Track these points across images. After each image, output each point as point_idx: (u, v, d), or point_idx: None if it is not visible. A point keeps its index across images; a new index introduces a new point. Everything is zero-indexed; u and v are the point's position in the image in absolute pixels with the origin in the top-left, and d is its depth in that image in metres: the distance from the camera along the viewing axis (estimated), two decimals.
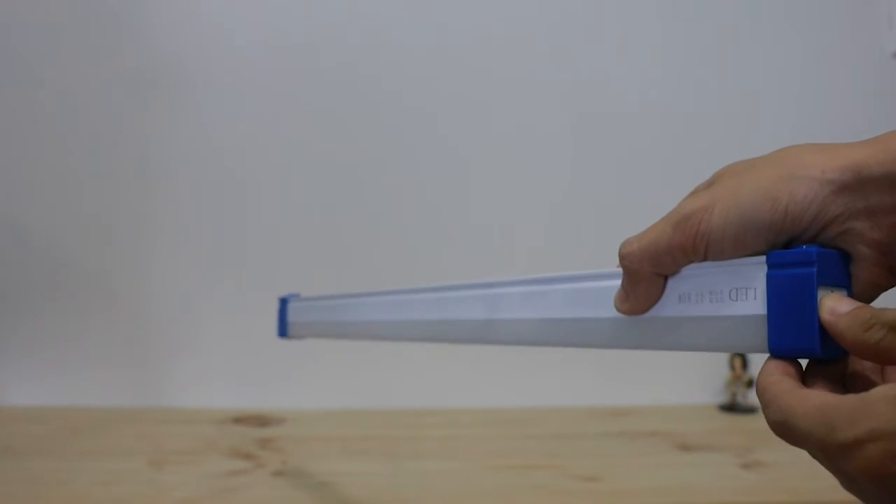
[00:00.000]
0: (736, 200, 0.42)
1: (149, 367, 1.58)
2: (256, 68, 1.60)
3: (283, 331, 1.03)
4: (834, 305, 0.39)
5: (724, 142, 1.56)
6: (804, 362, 0.42)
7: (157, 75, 1.58)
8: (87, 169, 1.58)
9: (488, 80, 1.62)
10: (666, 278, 0.47)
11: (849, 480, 0.36)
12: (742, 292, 0.43)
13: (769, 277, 0.41)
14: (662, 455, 1.26)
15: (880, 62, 1.62)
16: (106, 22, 1.58)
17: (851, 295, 0.42)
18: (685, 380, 1.56)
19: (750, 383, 1.52)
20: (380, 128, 1.61)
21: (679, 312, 0.46)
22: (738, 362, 1.54)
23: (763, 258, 0.42)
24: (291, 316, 1.01)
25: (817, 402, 0.37)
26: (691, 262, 0.45)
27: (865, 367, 0.42)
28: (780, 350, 0.41)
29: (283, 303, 1.03)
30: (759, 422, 0.38)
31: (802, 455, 0.39)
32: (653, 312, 0.48)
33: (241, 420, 1.46)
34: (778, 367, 0.41)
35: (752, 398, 1.50)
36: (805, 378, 0.41)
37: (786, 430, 0.38)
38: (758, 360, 0.43)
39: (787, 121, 1.60)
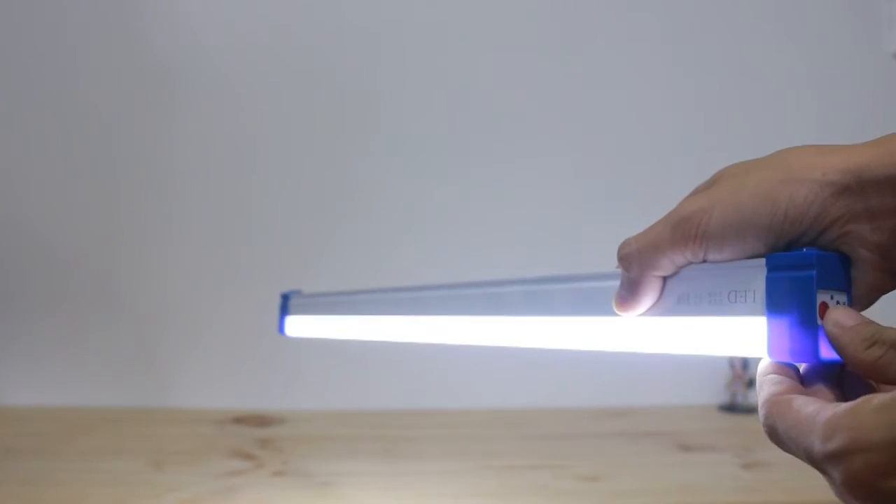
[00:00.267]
0: (735, 202, 0.42)
1: (149, 368, 1.58)
2: (256, 69, 1.60)
3: (284, 328, 1.02)
4: (839, 318, 0.38)
5: (725, 141, 1.56)
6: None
7: (157, 76, 1.58)
8: (87, 169, 1.58)
9: (489, 78, 1.61)
10: (665, 279, 0.47)
11: (837, 488, 0.36)
12: (741, 294, 0.42)
13: (768, 280, 0.41)
14: (662, 455, 1.26)
15: (880, 62, 1.62)
16: (106, 23, 1.58)
17: (851, 298, 0.42)
18: (685, 380, 1.55)
19: (750, 383, 1.52)
20: (379, 127, 1.61)
21: (678, 314, 0.46)
22: (737, 362, 1.54)
23: (762, 260, 0.42)
24: (293, 312, 1.00)
25: (807, 410, 0.36)
26: (690, 263, 0.45)
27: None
28: (779, 354, 0.40)
29: (285, 299, 1.02)
30: (759, 422, 0.38)
31: None
32: (651, 313, 0.47)
33: (241, 420, 1.46)
34: (776, 367, 0.41)
35: (753, 398, 1.50)
36: (803, 378, 0.41)
37: (776, 436, 0.38)
38: (758, 360, 0.43)
39: (787, 121, 1.60)
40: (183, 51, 1.58)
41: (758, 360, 0.42)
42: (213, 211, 1.60)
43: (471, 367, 1.50)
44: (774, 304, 0.40)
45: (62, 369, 1.56)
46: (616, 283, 0.48)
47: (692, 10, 1.63)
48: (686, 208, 0.44)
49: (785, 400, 0.38)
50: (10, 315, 1.56)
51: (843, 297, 0.41)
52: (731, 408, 1.54)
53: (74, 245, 1.58)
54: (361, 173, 1.60)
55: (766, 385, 0.40)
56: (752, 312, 0.42)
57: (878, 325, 0.38)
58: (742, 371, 1.53)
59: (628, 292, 0.47)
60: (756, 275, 0.42)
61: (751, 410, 1.50)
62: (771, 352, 0.41)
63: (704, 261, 0.44)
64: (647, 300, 0.47)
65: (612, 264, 0.50)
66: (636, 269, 0.46)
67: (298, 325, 0.99)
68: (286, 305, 1.01)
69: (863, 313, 0.39)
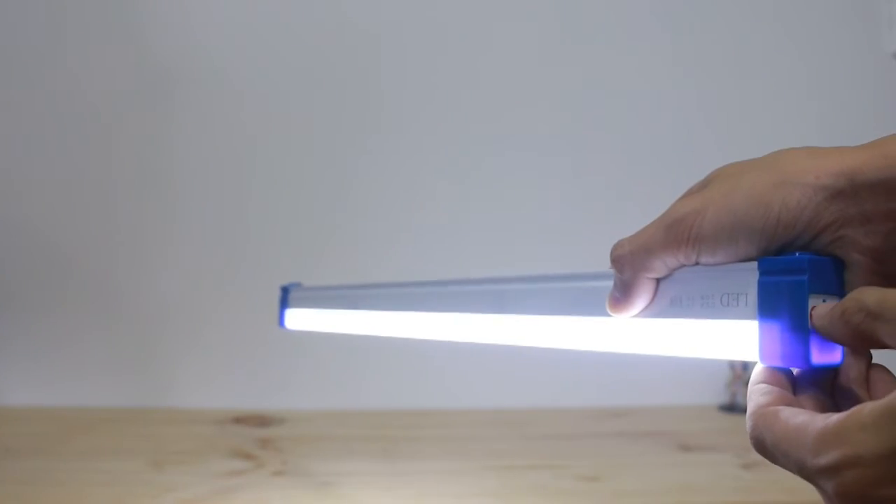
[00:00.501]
0: (728, 205, 0.42)
1: (149, 367, 1.58)
2: (256, 68, 1.60)
3: (284, 320, 1.02)
4: (821, 310, 0.38)
5: (725, 141, 1.56)
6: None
7: (157, 76, 1.58)
8: (87, 169, 1.58)
9: (490, 78, 1.62)
10: (658, 281, 0.47)
11: (829, 500, 0.36)
12: (734, 298, 0.42)
13: (760, 284, 0.41)
14: (662, 455, 1.26)
15: (880, 62, 1.62)
16: (106, 23, 1.58)
17: None
18: (685, 380, 1.55)
19: None
20: (379, 125, 1.61)
21: (670, 316, 0.46)
22: (738, 362, 1.54)
23: (755, 264, 0.41)
24: (292, 305, 1.00)
25: (796, 423, 0.36)
26: (683, 265, 0.45)
27: (851, 379, 0.41)
28: (770, 358, 0.40)
29: (285, 292, 1.02)
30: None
31: None
32: (644, 315, 0.47)
33: (241, 420, 1.46)
34: (768, 374, 0.41)
35: None
36: (795, 385, 0.41)
37: (764, 448, 0.38)
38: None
39: (787, 120, 1.60)
40: (183, 50, 1.59)
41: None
42: (212, 211, 1.60)
43: (471, 367, 1.50)
44: (766, 309, 0.40)
45: (61, 369, 1.57)
46: (610, 284, 0.48)
47: (692, 9, 1.63)
48: (679, 210, 0.44)
49: (772, 412, 0.38)
50: (9, 315, 1.56)
51: (835, 302, 0.41)
52: (731, 408, 1.54)
53: (73, 245, 1.58)
54: (361, 172, 1.60)
55: (755, 396, 0.40)
56: (744, 316, 0.42)
57: (859, 289, 0.37)
58: (742, 372, 1.53)
59: (621, 294, 0.47)
60: (748, 279, 0.41)
61: None
62: (762, 356, 0.41)
63: (697, 263, 0.44)
64: (640, 302, 0.47)
65: (609, 264, 0.50)
66: (629, 271, 0.46)
67: (298, 318, 0.99)
68: (286, 298, 1.01)
69: None
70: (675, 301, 0.46)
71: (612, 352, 0.50)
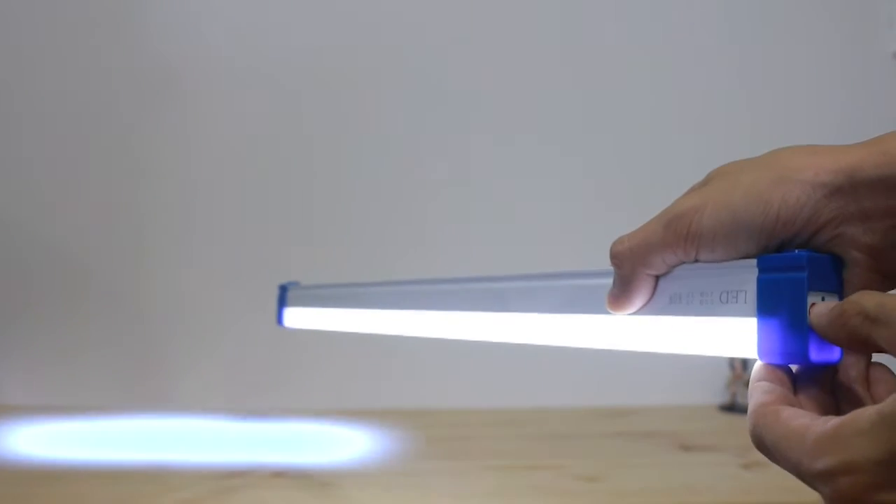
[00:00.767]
0: (728, 202, 0.42)
1: (149, 368, 1.58)
2: (256, 68, 1.60)
3: (283, 319, 1.02)
4: (820, 309, 0.38)
5: (725, 140, 1.56)
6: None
7: (157, 76, 1.58)
8: (87, 169, 1.58)
9: (489, 78, 1.62)
10: (657, 278, 0.47)
11: (827, 502, 0.36)
12: (733, 295, 0.42)
13: (759, 281, 0.41)
14: (662, 455, 1.26)
15: (880, 62, 1.62)
16: (106, 24, 1.58)
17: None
18: (685, 380, 1.55)
19: None
20: (379, 124, 1.61)
21: (670, 313, 0.46)
22: (738, 362, 1.54)
23: (754, 261, 0.41)
24: (291, 304, 1.00)
25: (795, 425, 0.36)
26: (682, 262, 0.45)
27: (851, 376, 0.41)
28: (769, 355, 0.40)
29: (283, 290, 1.02)
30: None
31: None
32: (643, 312, 0.47)
33: (241, 420, 1.46)
34: (768, 372, 0.41)
35: None
36: (795, 383, 0.41)
37: (763, 447, 0.38)
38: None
39: (786, 120, 1.60)
40: (184, 50, 1.59)
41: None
42: (213, 210, 1.60)
43: (471, 367, 1.50)
44: (765, 306, 0.40)
45: (62, 369, 1.57)
46: (609, 282, 0.48)
47: (692, 9, 1.63)
48: (678, 207, 0.44)
49: (773, 411, 0.38)
50: (11, 316, 1.57)
51: (834, 300, 0.40)
52: (731, 408, 1.54)
53: (76, 246, 1.58)
54: (362, 172, 1.60)
55: (756, 393, 0.40)
56: (743, 313, 0.41)
57: (858, 293, 0.37)
58: (742, 371, 1.53)
59: (620, 291, 0.47)
60: (747, 276, 0.41)
61: None
62: (761, 353, 0.40)
63: (696, 260, 0.44)
64: (640, 299, 0.47)
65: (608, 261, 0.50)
66: (628, 268, 0.46)
67: (296, 317, 0.99)
68: (284, 297, 1.01)
69: None
70: (674, 298, 0.45)
71: (611, 350, 0.50)
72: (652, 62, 1.63)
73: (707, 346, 0.44)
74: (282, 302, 1.01)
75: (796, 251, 0.40)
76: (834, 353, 0.39)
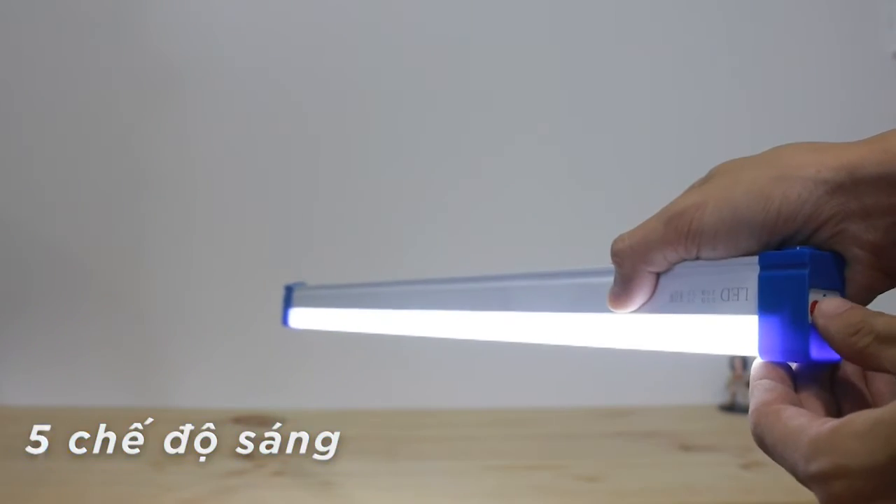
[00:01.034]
0: (729, 199, 0.42)
1: (149, 367, 1.58)
2: (255, 68, 1.60)
3: (288, 319, 1.02)
4: (827, 308, 0.38)
5: (725, 140, 1.56)
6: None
7: (156, 76, 1.58)
8: (86, 169, 1.58)
9: (490, 77, 1.62)
10: (658, 276, 0.46)
11: None
12: (734, 292, 0.42)
13: (761, 278, 0.40)
14: (662, 455, 1.26)
15: (880, 62, 1.62)
16: (106, 24, 1.58)
17: (845, 298, 0.41)
18: (685, 380, 1.55)
19: None
20: (383, 124, 1.61)
21: (671, 311, 0.45)
22: (738, 362, 1.54)
23: (755, 259, 0.41)
24: (296, 304, 1.00)
25: (793, 425, 0.36)
26: (683, 259, 0.45)
27: (850, 373, 0.41)
28: (770, 353, 0.40)
29: (289, 291, 1.02)
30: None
31: None
32: (644, 310, 0.47)
33: (241, 420, 1.45)
34: (769, 370, 0.40)
35: None
36: (796, 381, 0.41)
37: (763, 446, 0.38)
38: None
39: (786, 120, 1.60)
40: (184, 50, 1.59)
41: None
42: (213, 210, 1.60)
43: (472, 367, 1.50)
44: (766, 303, 0.40)
45: (62, 369, 1.57)
46: (610, 280, 0.48)
47: (692, 9, 1.63)
48: (679, 204, 0.44)
49: (774, 411, 0.38)
50: (9, 316, 1.56)
51: (836, 297, 0.40)
52: (731, 408, 1.54)
53: (75, 245, 1.58)
54: (365, 172, 1.60)
55: (757, 392, 0.40)
56: (744, 311, 0.41)
57: (867, 310, 0.37)
58: (742, 371, 1.53)
59: (621, 288, 0.47)
60: (749, 273, 0.41)
61: None
62: (762, 351, 0.40)
63: (697, 258, 0.44)
64: (640, 297, 0.47)
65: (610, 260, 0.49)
66: (629, 265, 0.46)
67: (302, 318, 1.00)
68: (290, 297, 1.02)
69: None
70: (675, 296, 0.45)
71: (612, 349, 0.50)
72: (651, 62, 1.63)
73: (708, 343, 0.44)
74: (287, 302, 1.01)
75: (798, 248, 0.40)
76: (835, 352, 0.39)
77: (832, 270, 0.41)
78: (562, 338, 0.54)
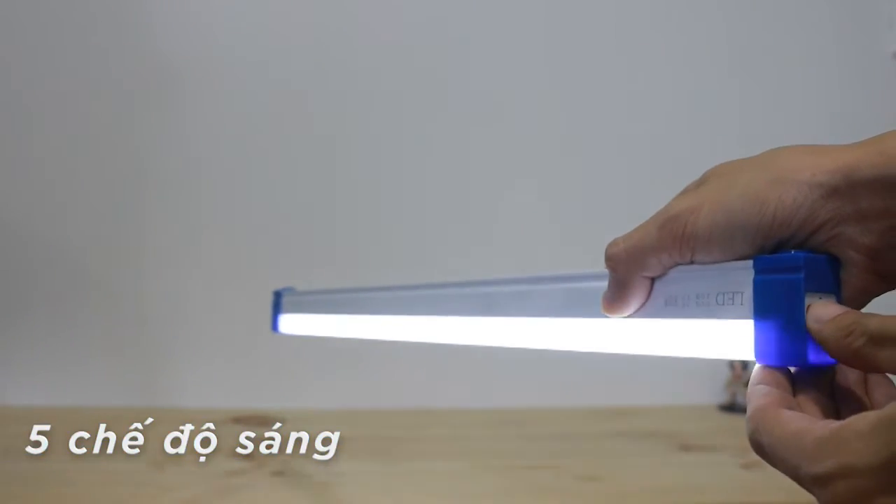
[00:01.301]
0: (723, 202, 0.41)
1: (149, 367, 1.58)
2: (254, 70, 1.60)
3: (277, 325, 1.02)
4: (819, 313, 0.38)
5: (725, 141, 1.56)
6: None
7: (156, 78, 1.58)
8: (86, 170, 1.58)
9: (489, 77, 1.62)
10: (653, 280, 0.46)
11: None
12: (729, 297, 0.42)
13: (756, 282, 0.40)
14: (662, 455, 1.26)
15: (880, 62, 1.62)
16: (106, 25, 1.58)
17: (841, 302, 0.41)
18: (685, 380, 1.55)
19: None
20: (378, 126, 1.61)
21: (666, 315, 0.45)
22: (737, 363, 1.54)
23: (750, 262, 0.41)
24: (286, 310, 1.00)
25: (793, 428, 0.36)
26: (678, 264, 0.44)
27: (850, 379, 0.41)
28: (766, 357, 0.40)
29: (278, 296, 1.02)
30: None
31: None
32: (639, 315, 0.47)
33: (241, 420, 1.45)
34: (767, 375, 0.40)
35: None
36: (794, 386, 0.40)
37: (762, 451, 0.38)
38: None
39: (786, 120, 1.60)
40: (185, 50, 1.59)
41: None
42: (213, 211, 1.60)
43: (471, 367, 1.50)
44: (762, 307, 0.40)
45: (62, 369, 1.57)
46: (604, 284, 0.48)
47: (692, 9, 1.63)
48: (674, 208, 0.43)
49: (772, 415, 0.37)
50: (10, 316, 1.57)
51: (831, 300, 0.40)
52: (731, 408, 1.54)
53: (75, 245, 1.58)
54: (361, 173, 1.61)
55: (754, 397, 0.39)
56: (739, 315, 0.41)
57: (860, 313, 0.37)
58: (742, 371, 1.53)
59: (615, 293, 0.47)
60: (744, 277, 0.41)
61: None
62: (758, 355, 0.40)
63: (692, 262, 0.44)
64: (635, 301, 0.46)
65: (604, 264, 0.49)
66: (623, 270, 0.46)
67: (292, 323, 0.99)
68: (279, 303, 1.01)
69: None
70: (670, 300, 0.45)
71: (604, 352, 0.50)
72: (651, 62, 1.63)
73: (703, 348, 0.44)
74: (276, 308, 1.01)
75: (793, 252, 0.40)
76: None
77: (828, 274, 0.40)
78: (556, 343, 0.54)
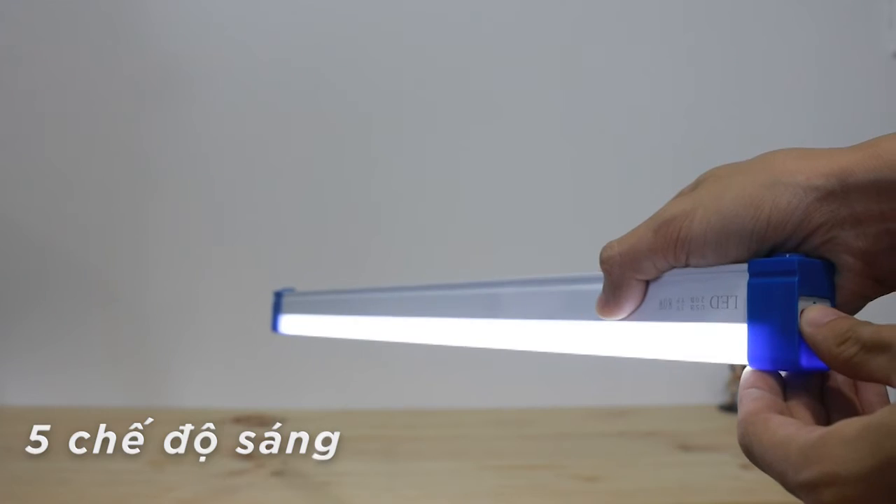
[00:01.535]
0: (718, 206, 0.41)
1: (149, 367, 1.58)
2: (253, 70, 1.60)
3: (278, 325, 1.02)
4: (814, 317, 0.38)
5: (724, 141, 1.56)
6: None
7: (155, 77, 1.58)
8: (86, 169, 1.58)
9: (488, 78, 1.62)
10: (647, 283, 0.46)
11: None
12: (723, 300, 0.42)
13: (750, 286, 0.40)
14: (662, 455, 1.26)
15: (880, 62, 1.61)
16: (106, 25, 1.58)
17: (835, 305, 0.41)
18: (685, 380, 1.55)
19: None
20: (378, 126, 1.61)
21: (660, 319, 0.45)
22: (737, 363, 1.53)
23: (745, 266, 0.41)
24: (286, 310, 1.00)
25: (781, 434, 0.36)
26: (672, 267, 0.44)
27: (840, 382, 0.41)
28: (759, 361, 0.40)
29: (278, 297, 1.02)
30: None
31: None
32: (633, 318, 0.47)
33: (241, 420, 1.46)
34: (758, 378, 0.40)
35: None
36: (785, 390, 0.40)
37: (751, 456, 0.37)
38: None
39: (786, 121, 1.60)
40: (185, 50, 1.59)
41: None
42: (212, 210, 1.60)
43: (471, 367, 1.50)
44: (755, 311, 0.40)
45: (62, 369, 1.57)
46: (599, 287, 0.48)
47: (692, 9, 1.63)
48: (668, 211, 0.43)
49: (761, 420, 0.37)
50: (10, 316, 1.57)
51: (825, 304, 0.40)
52: (731, 408, 1.53)
53: (74, 244, 1.58)
54: (361, 174, 1.60)
55: (745, 401, 0.39)
56: (733, 319, 0.41)
57: (854, 320, 0.37)
58: (742, 372, 1.53)
59: (610, 296, 0.47)
60: (738, 281, 0.41)
61: None
62: (751, 359, 0.40)
63: (687, 265, 0.43)
64: (629, 304, 0.46)
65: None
66: (618, 273, 0.46)
67: (292, 324, 0.99)
68: (279, 303, 1.01)
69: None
70: (664, 304, 0.45)
71: (600, 355, 0.50)
72: (650, 62, 1.63)
73: (698, 351, 0.44)
74: (277, 308, 1.01)
75: (787, 255, 0.39)
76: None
77: (822, 278, 0.40)
78: (550, 345, 0.54)
